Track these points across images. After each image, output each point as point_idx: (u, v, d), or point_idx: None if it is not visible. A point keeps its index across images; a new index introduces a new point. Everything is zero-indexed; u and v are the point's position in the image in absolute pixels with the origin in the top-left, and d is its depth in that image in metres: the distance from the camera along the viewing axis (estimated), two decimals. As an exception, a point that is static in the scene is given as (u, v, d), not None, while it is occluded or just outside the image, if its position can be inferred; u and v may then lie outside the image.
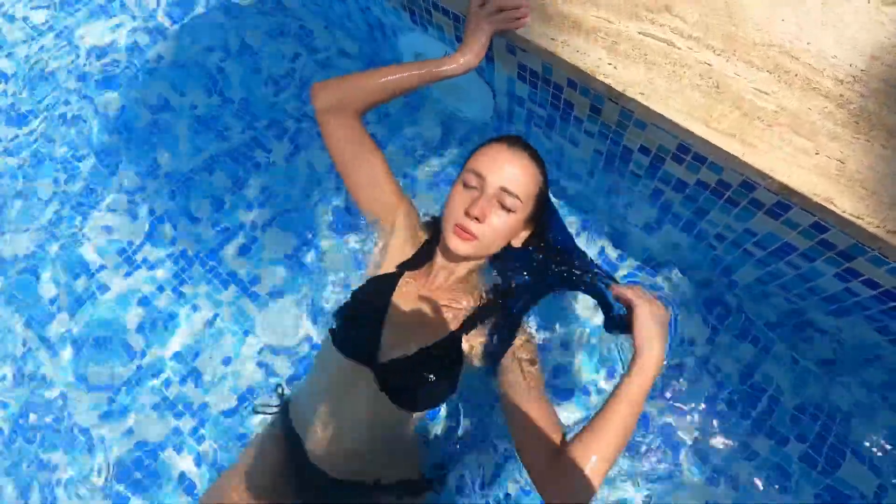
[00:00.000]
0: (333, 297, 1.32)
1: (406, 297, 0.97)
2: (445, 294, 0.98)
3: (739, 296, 1.16)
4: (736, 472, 1.07)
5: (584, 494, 0.74)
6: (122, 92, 1.64)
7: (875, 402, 1.05)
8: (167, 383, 1.29)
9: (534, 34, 0.96)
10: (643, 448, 1.10)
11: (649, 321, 0.77)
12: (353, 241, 1.35)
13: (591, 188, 1.28)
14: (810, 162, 0.79)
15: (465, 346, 0.93)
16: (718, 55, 0.88)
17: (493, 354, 0.93)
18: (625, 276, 1.26)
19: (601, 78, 0.90)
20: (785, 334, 1.12)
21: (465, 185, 0.91)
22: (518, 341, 0.92)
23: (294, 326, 1.33)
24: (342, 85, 0.97)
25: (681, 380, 1.13)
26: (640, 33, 0.92)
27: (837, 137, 0.80)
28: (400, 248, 1.02)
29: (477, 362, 0.95)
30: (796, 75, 0.85)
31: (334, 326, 0.97)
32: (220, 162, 1.50)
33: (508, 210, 0.89)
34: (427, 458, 1.12)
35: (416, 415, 0.96)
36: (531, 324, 1.00)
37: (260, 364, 1.30)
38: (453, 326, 0.94)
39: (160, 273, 1.39)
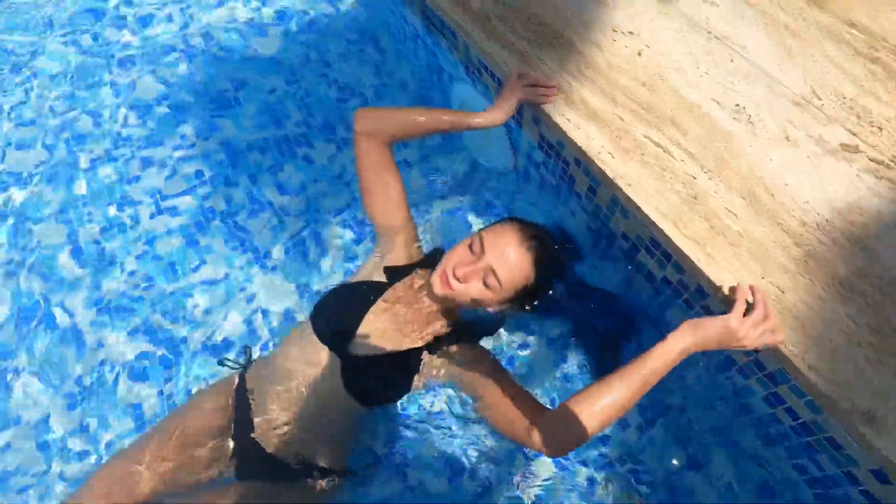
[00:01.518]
0: (322, 288, 1.44)
1: (388, 305, 1.08)
2: (422, 314, 1.09)
3: (685, 401, 1.21)
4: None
5: (573, 433, 0.81)
6: (214, 63, 1.86)
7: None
8: (161, 311, 1.41)
9: (555, 112, 1.09)
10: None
11: (714, 325, 0.79)
12: (362, 249, 1.48)
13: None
14: (754, 283, 0.87)
15: (424, 361, 1.04)
16: (705, 172, 0.99)
17: (450, 372, 1.04)
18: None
19: (599, 163, 1.02)
20: (721, 449, 1.15)
21: (470, 247, 1.02)
22: (469, 355, 1.03)
23: (277, 302, 1.44)
24: (383, 115, 1.13)
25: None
26: (643, 135, 1.05)
27: (786, 270, 0.88)
28: (395, 263, 1.15)
29: (434, 377, 1.05)
30: (767, 208, 0.94)
31: (314, 312, 1.09)
32: (272, 144, 1.68)
33: (487, 286, 0.99)
34: (355, 454, 1.18)
35: (361, 409, 1.05)
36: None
37: (247, 322, 1.41)
38: (419, 343, 1.05)
39: (182, 219, 1.55)
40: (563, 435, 0.83)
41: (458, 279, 0.98)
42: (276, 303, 1.44)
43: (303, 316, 1.40)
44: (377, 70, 1.85)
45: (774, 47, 1.16)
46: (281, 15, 1.99)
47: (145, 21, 1.97)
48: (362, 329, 1.04)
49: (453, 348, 1.06)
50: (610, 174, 1.00)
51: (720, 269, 0.89)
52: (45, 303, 1.42)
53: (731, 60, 1.15)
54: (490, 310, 1.07)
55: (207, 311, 1.43)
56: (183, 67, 1.86)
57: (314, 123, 1.73)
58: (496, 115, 1.09)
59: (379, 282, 1.12)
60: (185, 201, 1.58)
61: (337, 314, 1.08)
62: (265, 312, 1.43)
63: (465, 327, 1.13)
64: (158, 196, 1.59)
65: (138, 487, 0.99)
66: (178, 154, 1.67)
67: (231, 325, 1.41)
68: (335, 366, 1.01)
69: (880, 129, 1.03)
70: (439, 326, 1.09)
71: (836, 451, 0.85)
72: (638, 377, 0.80)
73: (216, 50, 1.90)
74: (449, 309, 1.11)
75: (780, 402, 0.91)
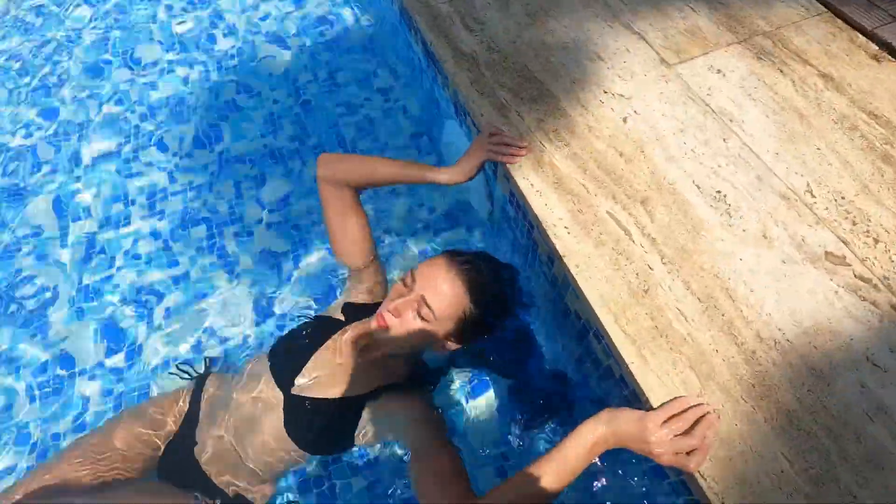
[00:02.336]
0: (288, 311, 1.43)
1: (339, 345, 1.05)
2: (369, 359, 1.05)
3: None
4: None
5: None
6: (223, 68, 1.91)
7: None
8: (125, 309, 1.44)
9: (520, 174, 1.03)
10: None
11: (630, 419, 0.75)
12: (335, 276, 1.47)
13: (543, 326, 1.30)
14: (691, 393, 0.78)
15: (367, 409, 1.00)
16: (664, 264, 0.91)
17: (394, 429, 1.00)
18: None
19: (552, 237, 0.95)
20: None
21: (403, 282, 0.99)
22: (416, 410, 0.99)
23: (242, 318, 1.44)
24: (345, 164, 1.11)
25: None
26: (607, 211, 0.97)
27: (728, 391, 0.79)
28: (356, 301, 1.13)
29: (376, 430, 1.01)
30: (723, 315, 0.85)
31: (275, 343, 1.09)
32: (265, 156, 1.70)
33: (422, 318, 0.95)
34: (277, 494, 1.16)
35: (296, 453, 1.02)
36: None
37: (210, 334, 1.41)
38: (364, 390, 1.02)
39: (162, 223, 1.58)
40: None
41: (391, 313, 0.95)
42: (241, 320, 1.44)
43: (259, 339, 1.40)
44: (384, 94, 1.83)
45: (776, 130, 1.06)
46: (299, 30, 2.02)
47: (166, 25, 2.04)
48: (308, 368, 1.02)
49: (399, 400, 1.02)
50: (561, 250, 0.93)
51: (651, 375, 0.81)
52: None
53: (724, 140, 1.06)
54: (437, 350, 1.02)
55: (170, 316, 1.45)
56: (197, 69, 1.91)
57: (309, 141, 1.74)
58: (456, 174, 1.06)
59: (336, 319, 1.10)
60: (170, 204, 1.62)
61: (292, 349, 1.06)
62: (213, 331, 1.42)
63: (414, 375, 1.09)
64: (144, 197, 1.64)
65: (69, 475, 0.99)
66: (173, 159, 1.71)
67: (193, 335, 1.42)
68: (280, 402, 0.99)
69: (876, 241, 0.91)
70: (387, 373, 1.06)
71: None
72: (554, 473, 0.74)
73: (232, 53, 1.94)
74: (396, 353, 1.06)
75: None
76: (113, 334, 1.41)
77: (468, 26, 1.31)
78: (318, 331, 1.06)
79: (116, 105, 1.85)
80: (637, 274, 0.90)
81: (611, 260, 0.92)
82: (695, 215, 0.96)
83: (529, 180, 1.02)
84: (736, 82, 1.15)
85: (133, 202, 1.62)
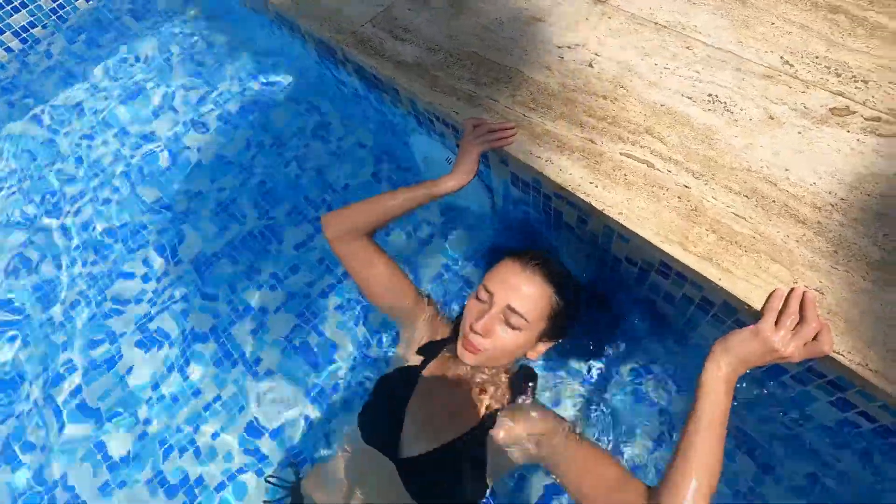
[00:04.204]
0: (332, 382, 1.35)
1: (429, 389, 0.98)
2: (467, 391, 0.98)
3: (741, 414, 1.12)
4: None
5: None
6: (159, 176, 1.80)
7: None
8: (165, 454, 1.32)
9: (521, 152, 1.02)
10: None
11: (743, 337, 0.72)
12: (361, 331, 1.40)
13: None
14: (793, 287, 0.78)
15: (490, 440, 0.92)
16: (697, 178, 0.91)
17: (519, 447, 0.92)
18: (627, 376, 1.23)
19: (583, 196, 0.94)
20: (788, 459, 1.06)
21: (478, 299, 0.94)
22: (539, 423, 0.92)
23: (289, 409, 1.35)
24: (350, 215, 1.03)
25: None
26: (621, 154, 0.97)
27: (816, 267, 0.80)
28: (421, 344, 1.05)
29: (508, 458, 0.93)
30: (774, 201, 0.86)
31: (361, 413, 0.99)
32: (240, 245, 1.61)
33: (514, 328, 0.90)
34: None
35: None
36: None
37: (248, 441, 1.31)
38: (476, 422, 0.93)
39: (166, 350, 1.46)
40: None
41: (480, 335, 0.89)
42: (286, 411, 1.35)
43: (314, 415, 1.31)
44: (329, 138, 1.78)
45: (729, 23, 1.10)
46: (221, 116, 1.93)
47: (79, 159, 1.91)
48: (407, 424, 0.93)
49: (519, 418, 0.94)
50: (597, 205, 0.92)
51: (741, 283, 0.80)
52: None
53: (688, 48, 1.08)
54: (533, 355, 0.97)
55: (220, 439, 1.34)
56: (125, 191, 1.79)
57: (276, 213, 1.66)
58: (461, 177, 1.02)
59: (412, 366, 1.02)
60: (166, 326, 1.50)
61: (380, 412, 0.97)
62: (278, 429, 1.33)
63: (515, 382, 1.01)
64: (134, 325, 1.51)
65: None
66: (145, 283, 1.59)
67: (251, 451, 1.32)
68: (393, 471, 0.90)
69: (865, 82, 0.96)
70: (492, 394, 0.98)
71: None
72: (709, 435, 0.71)
73: (156, 169, 1.83)
74: (494, 374, 1.00)
75: (850, 408, 0.82)
76: (171, 490, 1.29)
77: (399, 37, 1.29)
78: (398, 385, 0.99)
79: (55, 268, 1.70)
80: (678, 197, 0.90)
81: (648, 195, 0.91)
82: (700, 124, 0.97)
83: (535, 154, 1.00)
84: (669, -5, 1.18)
85: (122, 335, 1.50)
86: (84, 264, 1.66)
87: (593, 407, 1.16)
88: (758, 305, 0.78)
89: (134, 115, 1.99)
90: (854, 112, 0.92)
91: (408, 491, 0.88)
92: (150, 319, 1.52)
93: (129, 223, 1.72)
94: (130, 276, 1.61)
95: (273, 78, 1.98)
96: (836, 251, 0.80)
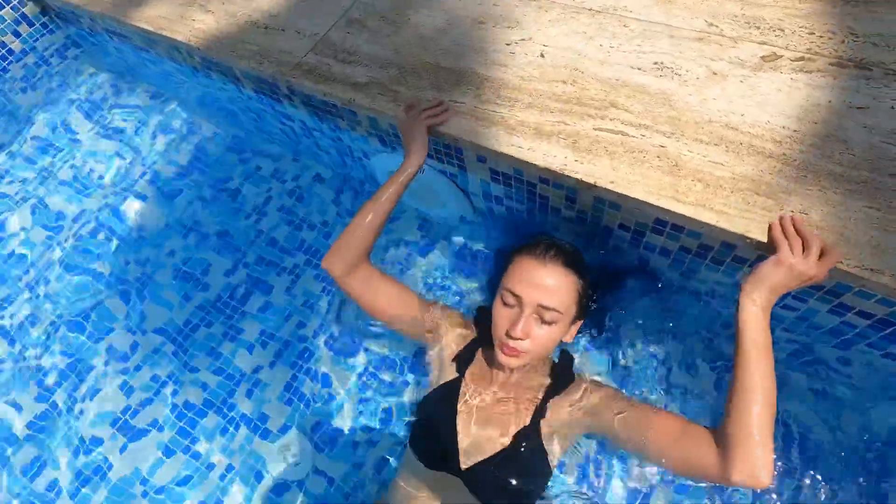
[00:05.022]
0: (340, 423, 1.29)
1: (473, 397, 0.98)
2: (511, 386, 0.99)
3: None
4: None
5: (765, 459, 0.73)
6: (109, 255, 1.65)
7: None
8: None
9: (501, 143, 1.04)
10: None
11: (769, 267, 0.77)
12: (358, 361, 1.35)
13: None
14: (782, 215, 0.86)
15: (545, 429, 0.93)
16: (669, 137, 0.99)
17: (577, 423, 0.94)
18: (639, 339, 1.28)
19: (572, 174, 0.98)
20: (797, 371, 1.15)
21: (504, 304, 0.95)
22: (590, 395, 0.94)
23: (302, 458, 1.27)
24: (345, 245, 1.03)
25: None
26: (595, 129, 1.03)
27: (793, 192, 0.88)
28: (451, 354, 1.05)
29: (565, 439, 0.95)
30: (740, 143, 0.95)
31: (411, 441, 0.98)
32: (210, 306, 1.50)
33: (550, 323, 0.92)
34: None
35: None
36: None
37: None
38: (528, 416, 0.94)
39: (166, 434, 1.33)
40: (749, 454, 0.74)
41: (520, 339, 0.90)
42: (292, 470, 1.27)
43: (326, 464, 1.24)
44: (287, 179, 1.72)
45: (653, 0, 1.20)
46: (155, 179, 1.81)
47: None
48: (462, 437, 0.92)
49: (567, 400, 0.96)
50: (589, 180, 0.96)
51: (737, 220, 0.88)
52: None
53: (625, 26, 1.17)
54: (568, 339, 1.00)
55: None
56: (68, 279, 1.63)
57: (245, 264, 1.58)
58: (417, 152, 1.04)
59: (451, 380, 1.01)
60: (156, 412, 1.37)
61: (431, 434, 0.96)
62: (300, 483, 1.25)
63: (555, 366, 1.04)
64: (120, 422, 1.36)
65: None
66: (118, 367, 1.44)
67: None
68: (460, 485, 0.89)
69: (781, 30, 1.08)
70: (537, 383, 1.00)
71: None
72: (759, 368, 0.76)
73: (99, 249, 1.68)
74: (534, 367, 1.02)
75: (848, 310, 0.91)
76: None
77: (346, 60, 1.28)
78: (442, 402, 0.97)
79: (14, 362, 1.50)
80: (658, 157, 0.97)
81: (630, 161, 0.97)
82: (656, 90, 1.05)
83: (516, 144, 1.04)
84: (591, -17, 1.27)
85: (101, 442, 1.34)
86: (48, 362, 1.47)
87: (624, 374, 1.20)
88: (756, 237, 0.86)
89: (61, 198, 1.81)
90: (781, 56, 1.04)
91: (479, 499, 0.86)
92: (134, 414, 1.37)
93: (85, 310, 1.55)
94: (91, 368, 1.45)
95: (207, 129, 1.89)
96: (806, 175, 0.90)
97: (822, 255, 0.78)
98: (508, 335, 0.90)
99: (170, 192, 1.75)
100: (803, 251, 0.78)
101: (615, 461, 1.12)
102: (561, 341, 0.99)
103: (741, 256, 0.94)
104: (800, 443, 1.09)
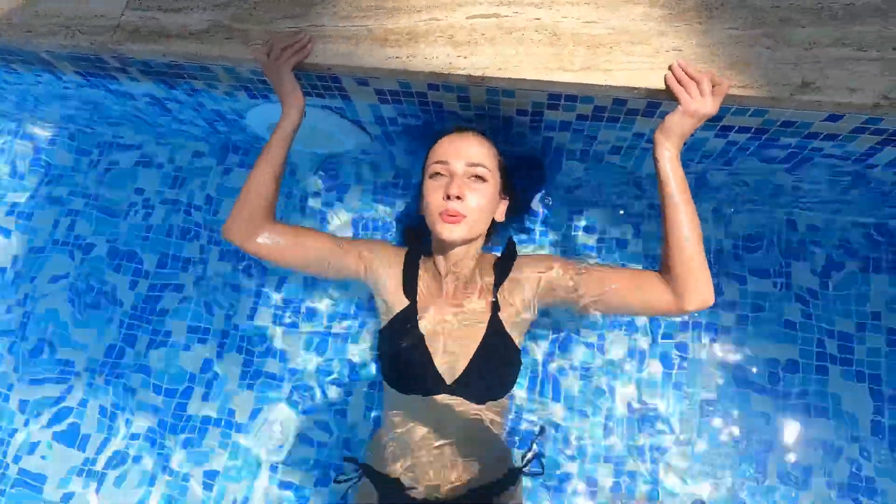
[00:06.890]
0: (317, 379, 1.29)
1: (434, 316, 0.99)
2: (463, 293, 1.02)
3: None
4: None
5: (708, 284, 0.85)
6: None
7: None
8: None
9: (380, 59, 0.98)
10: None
11: (674, 120, 0.85)
12: (309, 323, 1.32)
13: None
14: (657, 61, 0.89)
15: (505, 320, 0.98)
16: (540, 8, 0.96)
17: (531, 301, 1.00)
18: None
19: (458, 72, 0.95)
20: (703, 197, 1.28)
21: (433, 176, 0.98)
22: (536, 271, 1.00)
23: (285, 430, 1.27)
24: (242, 208, 0.96)
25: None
26: (467, 18, 0.98)
27: (665, 33, 0.91)
28: (395, 284, 1.04)
29: (525, 322, 1.02)
30: (590, -4, 0.95)
31: (387, 377, 0.99)
32: (127, 319, 1.38)
33: (483, 180, 0.97)
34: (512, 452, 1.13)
35: (503, 404, 1.01)
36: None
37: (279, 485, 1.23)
38: (487, 314, 0.98)
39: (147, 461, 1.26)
40: (695, 284, 0.85)
41: (458, 198, 0.93)
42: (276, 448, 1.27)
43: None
44: (155, 165, 1.53)
45: None
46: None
47: None
48: (437, 359, 0.95)
49: (516, 284, 1.00)
50: (478, 73, 0.94)
51: (622, 75, 0.90)
52: None
53: None
54: (500, 217, 1.05)
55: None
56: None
57: (158, 272, 1.43)
58: (292, 101, 0.97)
59: (404, 308, 1.01)
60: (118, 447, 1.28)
61: (405, 363, 0.97)
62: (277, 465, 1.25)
63: (504, 260, 1.06)
64: (85, 472, 1.27)
65: None
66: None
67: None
68: (451, 400, 0.94)
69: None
70: (485, 266, 1.04)
71: (792, 127, 0.95)
72: (684, 205, 0.85)
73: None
74: (473, 249, 1.03)
75: (729, 130, 1.00)
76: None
77: (172, 8, 1.09)
78: (403, 329, 0.98)
79: None
80: (536, 31, 0.95)
81: (511, 41, 0.95)
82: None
83: (393, 55, 0.97)
84: None
85: None
86: None
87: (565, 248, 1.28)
88: (643, 85, 0.89)
89: None
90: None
91: (471, 401, 0.93)
92: (94, 461, 1.27)
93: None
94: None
95: (42, 135, 1.61)
96: (671, 13, 0.92)
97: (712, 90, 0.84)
98: (447, 198, 0.93)
99: (28, 216, 1.51)
100: (697, 85, 0.84)
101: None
102: (494, 221, 1.02)
103: (633, 108, 0.98)
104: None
